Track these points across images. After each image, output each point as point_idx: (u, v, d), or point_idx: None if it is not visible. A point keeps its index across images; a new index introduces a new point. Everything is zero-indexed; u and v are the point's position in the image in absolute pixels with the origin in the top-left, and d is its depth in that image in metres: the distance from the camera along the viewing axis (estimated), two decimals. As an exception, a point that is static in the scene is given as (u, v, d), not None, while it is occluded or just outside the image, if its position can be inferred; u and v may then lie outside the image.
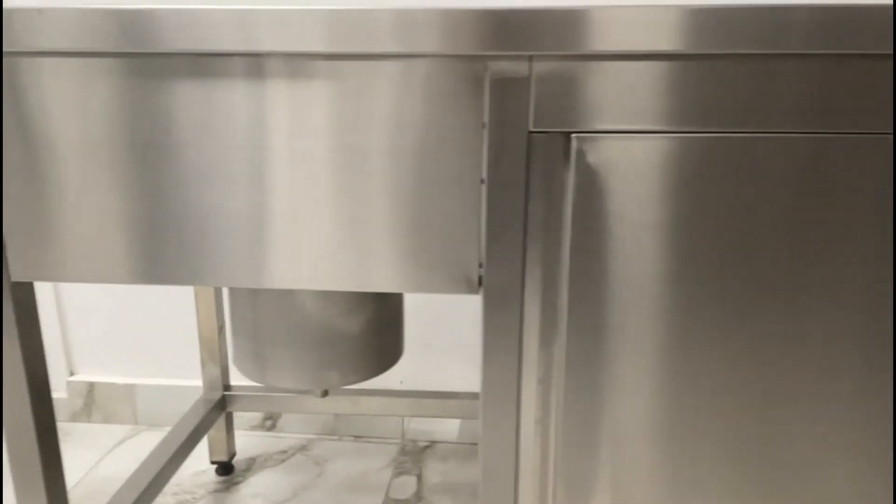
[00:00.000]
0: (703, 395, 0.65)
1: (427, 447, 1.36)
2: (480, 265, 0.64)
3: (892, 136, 0.59)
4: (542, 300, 0.65)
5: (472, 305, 1.31)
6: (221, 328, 1.20)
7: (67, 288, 1.39)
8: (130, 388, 1.43)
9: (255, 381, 0.82)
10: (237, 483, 1.24)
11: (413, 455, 1.33)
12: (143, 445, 1.38)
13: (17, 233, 0.66)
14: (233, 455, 1.28)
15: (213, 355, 1.21)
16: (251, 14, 0.57)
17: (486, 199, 0.62)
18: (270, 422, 1.41)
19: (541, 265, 0.64)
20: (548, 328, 0.66)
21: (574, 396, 0.65)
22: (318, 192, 0.63)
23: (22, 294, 0.69)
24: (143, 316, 1.39)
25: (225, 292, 1.21)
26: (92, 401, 1.45)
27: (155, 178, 0.63)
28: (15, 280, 0.67)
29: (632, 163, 0.59)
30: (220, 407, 1.22)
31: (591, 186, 0.60)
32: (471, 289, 0.65)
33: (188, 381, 1.42)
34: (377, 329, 0.82)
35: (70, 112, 0.63)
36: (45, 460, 0.73)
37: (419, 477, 1.27)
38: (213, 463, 1.26)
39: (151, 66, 0.60)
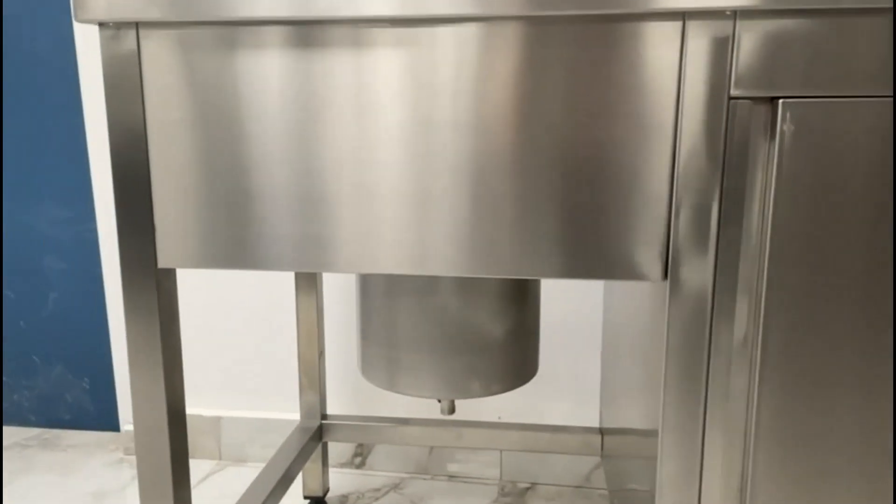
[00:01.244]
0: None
1: (528, 489, 1.28)
2: (668, 250, 0.59)
3: None
4: (734, 293, 0.59)
5: (574, 335, 1.25)
6: (321, 353, 1.16)
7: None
8: (216, 421, 1.38)
9: (386, 388, 0.77)
10: (332, 519, 1.17)
11: (514, 496, 1.25)
12: (228, 481, 1.32)
13: (165, 219, 0.63)
14: (327, 490, 1.22)
15: (313, 381, 1.16)
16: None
17: (676, 174, 0.57)
18: (360, 458, 1.35)
19: (734, 251, 0.59)
20: (742, 329, 0.60)
21: (774, 420, 0.59)
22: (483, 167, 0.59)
23: (167, 282, 0.66)
24: (232, 344, 1.36)
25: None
26: (176, 434, 1.40)
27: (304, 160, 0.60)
28: (161, 267, 0.64)
29: (847, 132, 0.54)
30: (317, 437, 1.16)
31: (798, 159, 0.55)
32: (653, 276, 0.60)
33: (275, 413, 1.36)
34: (519, 337, 0.76)
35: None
36: (176, 476, 0.68)
37: (524, 518, 1.18)
38: (306, 498, 1.19)
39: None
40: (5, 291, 1.50)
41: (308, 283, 1.11)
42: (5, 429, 1.53)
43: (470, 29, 0.57)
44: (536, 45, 0.57)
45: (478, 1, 0.55)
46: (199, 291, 1.34)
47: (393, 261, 0.61)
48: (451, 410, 0.84)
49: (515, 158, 0.59)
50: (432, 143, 0.59)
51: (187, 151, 0.62)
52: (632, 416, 0.80)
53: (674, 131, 0.57)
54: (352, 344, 1.30)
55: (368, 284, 0.76)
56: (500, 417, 1.30)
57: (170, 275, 0.67)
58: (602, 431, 1.13)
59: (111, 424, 1.51)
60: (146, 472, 0.69)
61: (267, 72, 0.60)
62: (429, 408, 1.29)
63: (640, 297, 0.74)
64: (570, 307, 1.23)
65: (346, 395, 1.33)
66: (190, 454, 1.40)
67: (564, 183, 0.59)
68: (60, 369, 1.53)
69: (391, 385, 0.76)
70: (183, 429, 0.69)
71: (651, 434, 0.65)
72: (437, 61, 0.58)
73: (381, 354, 0.75)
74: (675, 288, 0.60)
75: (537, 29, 0.57)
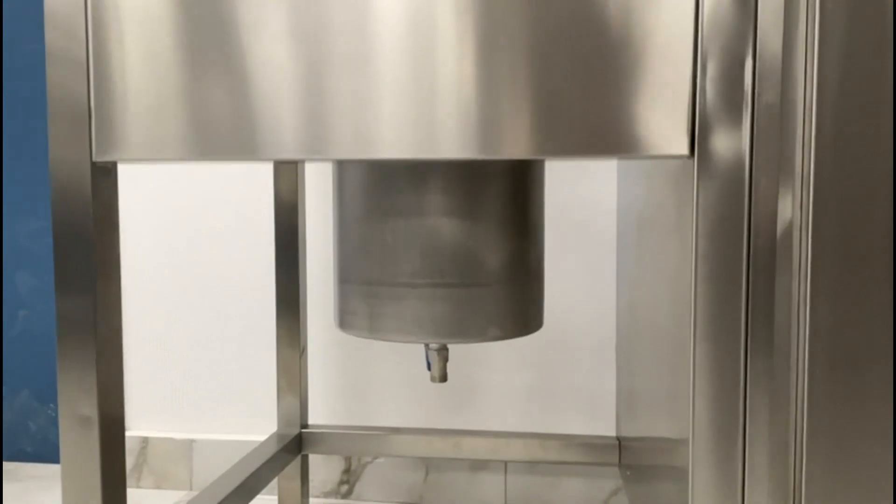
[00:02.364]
0: None
1: None
2: (694, 119, 0.50)
3: None
4: (775, 173, 0.49)
5: (585, 341, 1.12)
6: (303, 351, 1.04)
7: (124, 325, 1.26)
8: (188, 445, 1.24)
9: (366, 335, 0.65)
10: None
11: (521, 524, 1.09)
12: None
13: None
14: (306, 513, 1.07)
15: (293, 384, 1.03)
16: None
17: (700, 24, 0.48)
18: (347, 486, 1.20)
19: (772, 118, 0.49)
20: (786, 214, 0.49)
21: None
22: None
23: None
24: (205, 354, 1.23)
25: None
26: (144, 460, 1.26)
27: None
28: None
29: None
30: (295, 447, 1.02)
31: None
32: (678, 150, 0.50)
33: (256, 436, 1.22)
34: (520, 275, 0.65)
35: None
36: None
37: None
38: (282, 517, 1.04)
39: None
40: (-28, 309, 1.40)
41: (289, 265, 1.00)
42: (-40, 461, 1.39)
43: None
44: None
45: None
46: (165, 286, 1.23)
47: (393, 145, 0.51)
48: (443, 376, 0.72)
49: (524, 10, 0.50)
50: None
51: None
52: (656, 422, 0.67)
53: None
54: (336, 344, 1.18)
55: (346, 207, 0.66)
56: (504, 435, 1.16)
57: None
58: (619, 440, 0.99)
59: (76, 457, 1.37)
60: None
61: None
62: (425, 416, 1.15)
63: (663, 266, 0.63)
64: (579, 307, 1.11)
65: (331, 405, 1.19)
66: (158, 484, 1.25)
67: (580, 44, 0.50)
68: (25, 395, 1.40)
69: (371, 329, 0.64)
70: (121, 441, 0.58)
71: (682, 443, 0.54)
72: None
73: (360, 293, 0.64)
74: (704, 165, 0.50)
75: None
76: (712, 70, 0.49)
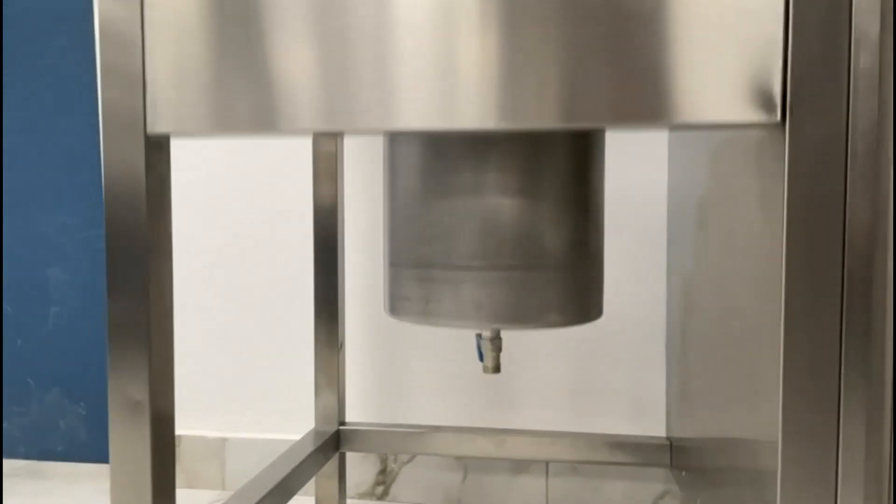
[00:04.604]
0: None
1: (580, 520, 1.08)
2: (785, 81, 0.46)
3: None
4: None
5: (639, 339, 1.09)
6: (342, 345, 1.01)
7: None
8: (221, 444, 1.22)
9: (419, 320, 0.62)
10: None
11: (564, 527, 1.05)
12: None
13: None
14: (344, 513, 1.04)
15: (331, 379, 1.01)
16: None
17: None
18: (382, 487, 1.16)
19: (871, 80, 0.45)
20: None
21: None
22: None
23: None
24: (240, 349, 1.21)
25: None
26: (176, 459, 1.23)
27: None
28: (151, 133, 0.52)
29: None
30: (333, 445, 0.99)
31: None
32: (766, 116, 0.47)
33: (291, 434, 1.20)
34: (582, 257, 0.62)
35: None
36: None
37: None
38: (320, 521, 1.01)
39: None
40: (4, 306, 1.39)
41: (327, 262, 0.98)
42: (-10, 459, 1.38)
43: None
44: None
45: None
46: (196, 282, 1.21)
47: (417, 113, 0.49)
48: (496, 366, 0.69)
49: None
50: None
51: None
52: (725, 421, 0.64)
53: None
54: (376, 339, 1.15)
55: (399, 187, 0.63)
56: (545, 436, 1.12)
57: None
58: (671, 440, 0.96)
59: (105, 457, 1.35)
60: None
61: None
62: (462, 414, 1.12)
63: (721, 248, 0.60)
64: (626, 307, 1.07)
65: (367, 403, 1.16)
66: (190, 483, 1.23)
67: None
68: (56, 393, 1.39)
69: (426, 314, 0.61)
70: (171, 433, 0.56)
71: (766, 446, 0.50)
72: None
73: (414, 277, 0.61)
74: (797, 134, 0.46)
75: None
76: (806, 27, 0.46)
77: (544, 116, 0.47)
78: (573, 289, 0.61)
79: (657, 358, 1.07)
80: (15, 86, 1.34)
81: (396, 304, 0.64)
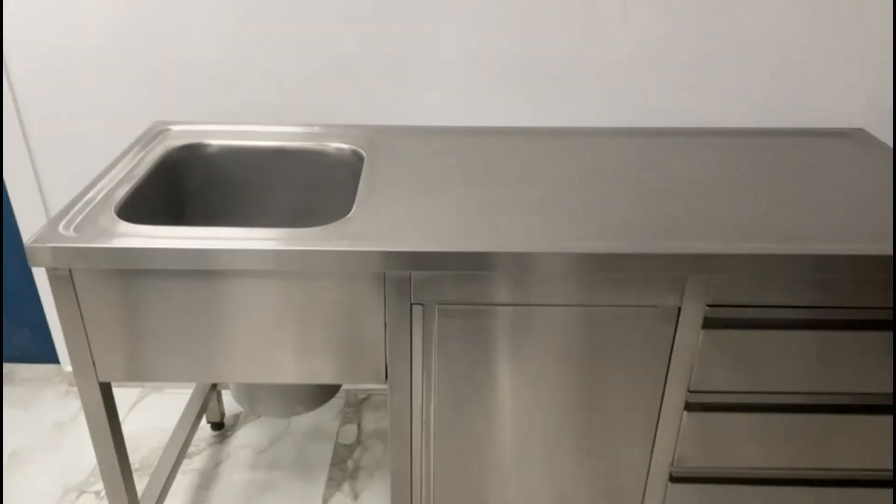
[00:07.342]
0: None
1: (365, 399, 1.85)
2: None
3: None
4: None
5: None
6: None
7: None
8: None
9: (251, 413, 1.26)
10: (227, 437, 1.72)
11: (355, 406, 1.83)
12: (154, 406, 1.82)
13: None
14: (223, 415, 1.75)
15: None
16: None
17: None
18: (247, 383, 1.88)
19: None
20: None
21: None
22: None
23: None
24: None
25: None
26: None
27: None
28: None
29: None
30: (211, 386, 1.67)
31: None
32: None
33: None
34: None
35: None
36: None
37: (359, 425, 1.76)
38: (208, 422, 1.73)
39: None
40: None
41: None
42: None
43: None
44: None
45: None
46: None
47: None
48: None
49: None
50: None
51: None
52: None
53: None
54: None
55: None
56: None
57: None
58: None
59: (53, 360, 1.96)
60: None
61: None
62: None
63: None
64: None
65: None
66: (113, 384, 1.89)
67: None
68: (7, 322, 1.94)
69: (252, 410, 1.25)
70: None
71: None
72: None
73: (244, 388, 1.24)
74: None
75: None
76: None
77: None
78: (320, 391, 1.26)
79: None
80: None
81: (238, 399, 1.28)
